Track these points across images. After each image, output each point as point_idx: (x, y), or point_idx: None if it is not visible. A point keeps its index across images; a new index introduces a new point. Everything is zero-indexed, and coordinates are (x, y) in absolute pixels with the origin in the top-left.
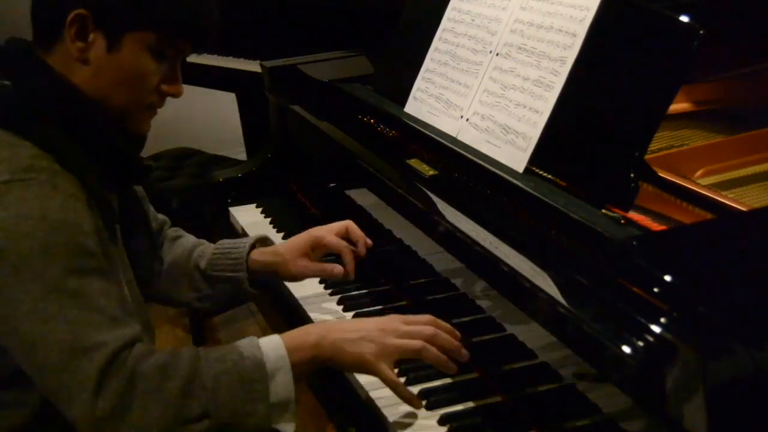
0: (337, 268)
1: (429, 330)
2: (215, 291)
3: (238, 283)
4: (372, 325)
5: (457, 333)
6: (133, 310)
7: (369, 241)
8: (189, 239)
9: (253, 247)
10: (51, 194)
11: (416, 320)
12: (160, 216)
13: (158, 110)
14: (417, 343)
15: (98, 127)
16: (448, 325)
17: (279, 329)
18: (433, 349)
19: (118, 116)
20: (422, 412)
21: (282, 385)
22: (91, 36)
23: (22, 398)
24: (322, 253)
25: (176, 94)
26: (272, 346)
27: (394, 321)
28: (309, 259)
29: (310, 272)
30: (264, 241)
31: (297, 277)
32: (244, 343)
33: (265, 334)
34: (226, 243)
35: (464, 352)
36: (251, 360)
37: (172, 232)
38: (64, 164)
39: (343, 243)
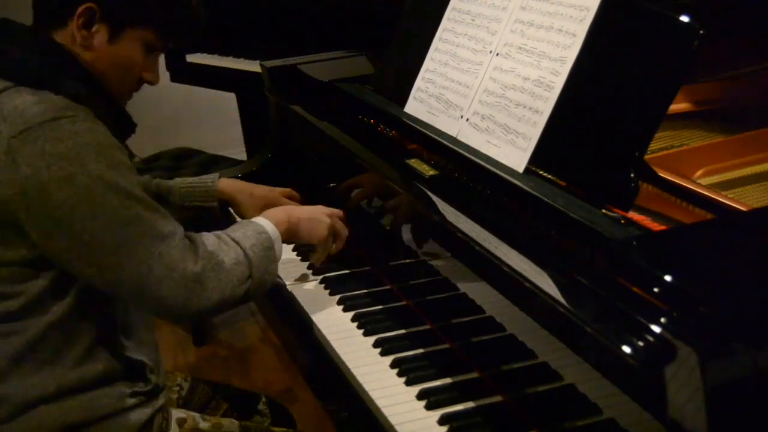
0: None
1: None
2: (186, 217)
3: (210, 211)
4: (318, 209)
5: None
6: None
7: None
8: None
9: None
10: (94, 126)
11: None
12: None
13: (158, 109)
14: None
15: (102, 87)
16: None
17: (278, 329)
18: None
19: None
20: (422, 412)
21: (279, 248)
22: (96, 26)
23: (24, 327)
24: None
25: (153, 83)
26: (265, 223)
27: (324, 208)
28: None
29: None
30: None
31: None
32: (252, 224)
33: (265, 333)
34: (187, 179)
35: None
36: (264, 234)
37: None
38: (86, 106)
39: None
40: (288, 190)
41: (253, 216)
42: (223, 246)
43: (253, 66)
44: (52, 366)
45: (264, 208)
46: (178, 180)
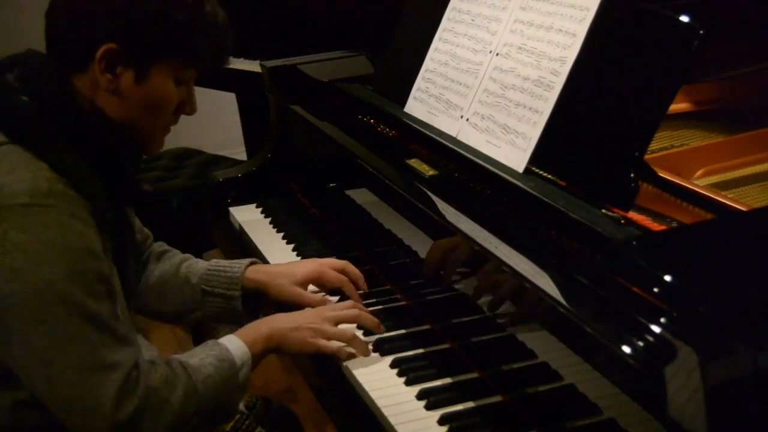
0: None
1: (354, 312)
2: (204, 306)
3: (230, 300)
4: (310, 315)
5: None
6: (124, 322)
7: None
8: (175, 254)
9: (248, 266)
10: (70, 222)
11: (342, 306)
12: (145, 230)
13: None
14: (348, 333)
15: (111, 152)
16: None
17: None
18: (365, 314)
19: (139, 138)
20: (422, 412)
21: (245, 374)
22: (119, 69)
23: None
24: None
25: (192, 113)
26: (236, 345)
27: (325, 310)
28: (303, 288)
29: (303, 302)
30: (255, 263)
31: (287, 303)
32: (217, 347)
33: None
34: (220, 262)
35: (382, 328)
36: (227, 362)
37: (158, 247)
38: (78, 188)
39: (344, 278)
40: (342, 263)
41: (299, 298)
42: (172, 380)
43: (253, 66)
44: None
45: (307, 283)
46: (212, 261)
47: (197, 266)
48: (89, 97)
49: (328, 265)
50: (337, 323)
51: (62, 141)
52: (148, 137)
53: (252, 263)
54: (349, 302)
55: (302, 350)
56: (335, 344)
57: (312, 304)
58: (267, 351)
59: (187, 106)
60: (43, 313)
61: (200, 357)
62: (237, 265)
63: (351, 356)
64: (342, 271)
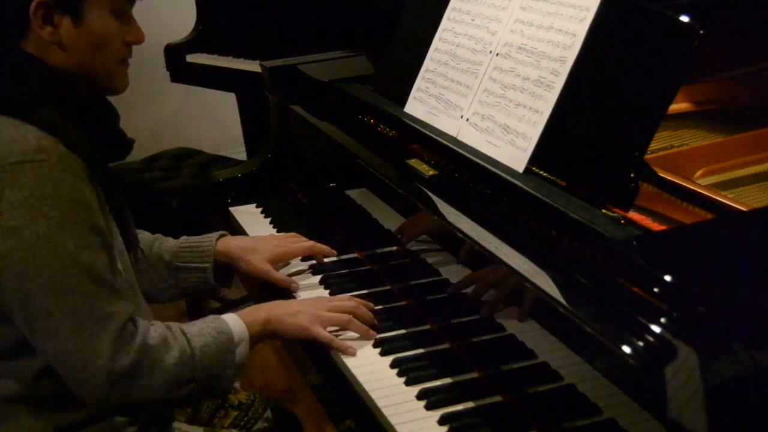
0: (295, 285)
1: (352, 303)
2: (179, 282)
3: (203, 272)
4: (307, 304)
5: (371, 305)
6: (127, 279)
7: (332, 251)
8: (145, 233)
9: (218, 239)
10: (62, 175)
11: (341, 298)
12: None
13: (158, 110)
14: (344, 316)
15: (85, 103)
16: (365, 302)
17: None
18: (357, 321)
19: (99, 80)
20: (422, 412)
21: (242, 352)
22: (56, 18)
23: (17, 369)
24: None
25: (140, 41)
26: (235, 322)
27: (323, 299)
28: (272, 266)
29: (271, 278)
30: (224, 235)
31: (255, 278)
32: (217, 321)
33: None
34: (191, 238)
35: (375, 322)
36: (225, 335)
37: None
38: (67, 144)
39: (306, 244)
40: (309, 245)
41: (265, 275)
42: (170, 341)
43: (253, 66)
44: (48, 409)
45: (275, 261)
46: (182, 239)
47: (168, 244)
48: (41, 59)
49: (289, 242)
50: (330, 323)
51: (43, 102)
52: (108, 76)
53: (222, 236)
54: (348, 296)
55: (297, 335)
56: (329, 334)
57: (279, 282)
58: (263, 335)
59: (133, 37)
60: (40, 268)
61: (200, 327)
62: (207, 239)
63: (348, 351)
64: (309, 253)
